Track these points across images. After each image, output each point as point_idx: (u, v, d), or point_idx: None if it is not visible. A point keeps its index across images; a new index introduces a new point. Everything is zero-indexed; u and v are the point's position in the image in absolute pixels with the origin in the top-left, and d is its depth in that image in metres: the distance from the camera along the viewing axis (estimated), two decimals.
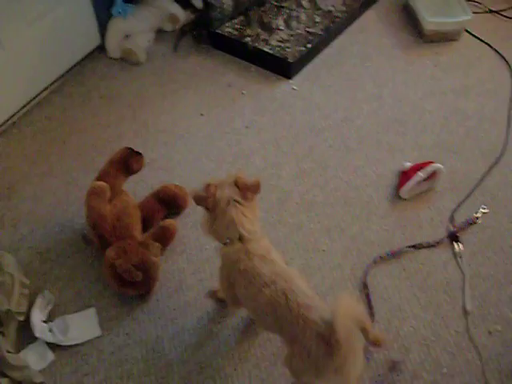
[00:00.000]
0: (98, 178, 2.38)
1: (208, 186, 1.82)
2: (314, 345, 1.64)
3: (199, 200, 1.83)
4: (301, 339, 1.68)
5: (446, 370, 2.05)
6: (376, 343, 1.66)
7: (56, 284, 2.31)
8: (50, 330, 2.16)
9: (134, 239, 2.29)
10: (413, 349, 2.10)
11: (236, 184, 1.83)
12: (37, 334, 2.14)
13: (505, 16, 3.53)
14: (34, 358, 2.12)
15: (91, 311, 2.22)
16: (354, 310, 1.61)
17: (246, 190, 1.82)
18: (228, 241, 1.83)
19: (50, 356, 2.13)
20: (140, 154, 2.45)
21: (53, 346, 2.13)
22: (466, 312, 2.20)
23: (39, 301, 2.23)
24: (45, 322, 2.19)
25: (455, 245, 2.40)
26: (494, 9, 3.58)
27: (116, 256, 2.19)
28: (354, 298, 1.64)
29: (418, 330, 2.15)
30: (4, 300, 2.12)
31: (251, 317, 2.13)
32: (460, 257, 2.37)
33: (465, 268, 2.33)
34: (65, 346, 2.13)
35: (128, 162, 2.42)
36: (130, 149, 2.44)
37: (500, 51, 3.29)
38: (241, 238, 1.81)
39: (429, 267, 2.34)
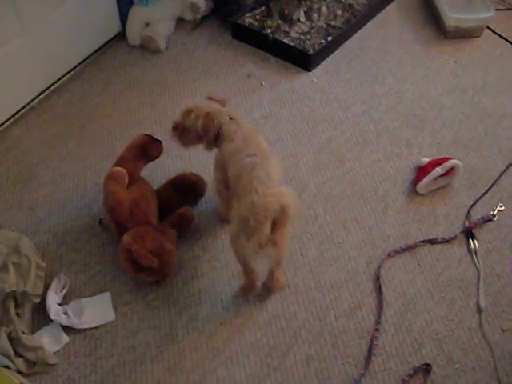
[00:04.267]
0: (117, 164, 2.39)
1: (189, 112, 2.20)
2: (244, 208, 1.86)
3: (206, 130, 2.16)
4: (240, 203, 1.95)
5: (458, 366, 2.05)
6: (273, 243, 1.88)
7: (72, 268, 2.33)
8: (65, 313, 2.18)
9: (151, 225, 2.30)
10: (425, 343, 2.11)
11: (209, 98, 2.24)
12: (52, 317, 2.16)
13: None
14: (49, 340, 2.14)
15: (106, 295, 2.24)
16: (288, 200, 1.80)
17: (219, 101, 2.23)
18: (220, 130, 2.14)
19: (65, 338, 2.15)
20: (159, 140, 2.46)
21: (67, 329, 2.15)
22: (479, 309, 2.20)
23: (55, 284, 2.25)
24: (60, 304, 2.21)
25: (470, 241, 2.40)
26: None
27: (132, 241, 2.20)
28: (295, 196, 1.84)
29: (430, 325, 2.16)
30: (20, 282, 2.14)
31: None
32: (475, 253, 2.36)
33: (480, 265, 2.32)
34: (79, 330, 2.15)
35: (147, 149, 2.44)
36: (149, 135, 2.46)
37: None
38: (231, 118, 2.15)
39: (443, 262, 2.34)
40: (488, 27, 3.36)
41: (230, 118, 2.15)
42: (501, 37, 3.34)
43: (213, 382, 2.03)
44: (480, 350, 2.09)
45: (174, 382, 2.03)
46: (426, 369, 2.04)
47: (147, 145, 2.44)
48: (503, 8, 3.52)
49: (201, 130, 2.15)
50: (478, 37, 3.34)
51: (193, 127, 2.18)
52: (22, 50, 2.79)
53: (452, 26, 3.26)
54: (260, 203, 1.80)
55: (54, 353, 2.10)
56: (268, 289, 2.21)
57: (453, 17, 3.23)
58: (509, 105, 2.96)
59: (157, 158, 2.48)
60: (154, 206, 2.39)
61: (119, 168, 2.35)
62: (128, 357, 2.09)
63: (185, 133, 2.23)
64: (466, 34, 3.31)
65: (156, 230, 2.29)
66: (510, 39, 3.33)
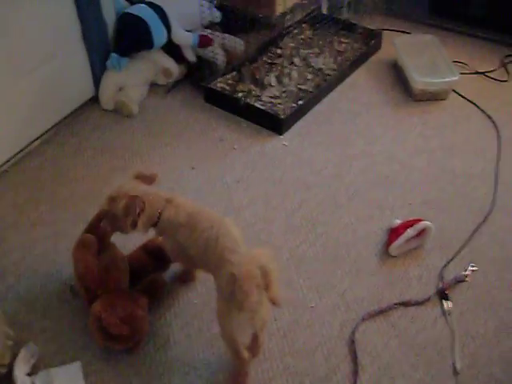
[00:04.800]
0: (87, 230, 2.35)
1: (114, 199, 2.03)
2: (225, 282, 1.80)
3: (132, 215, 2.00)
4: (218, 279, 1.90)
5: None
6: (273, 302, 1.81)
7: (41, 336, 2.26)
8: (33, 383, 2.11)
9: (122, 292, 2.25)
10: None
11: (137, 177, 2.11)
12: None
13: (491, 77, 3.58)
14: None
15: (76, 365, 2.17)
16: (265, 260, 1.79)
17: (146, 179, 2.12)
18: (159, 213, 2.02)
19: None
20: None
21: None
22: (456, 371, 2.17)
23: (23, 353, 2.17)
24: (28, 375, 2.13)
25: (444, 302, 2.38)
26: (480, 70, 3.62)
27: (102, 309, 2.15)
28: (270, 254, 1.83)
29: None
30: None
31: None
32: (449, 314, 2.34)
33: (454, 326, 2.30)
34: None
35: None
36: None
37: (486, 111, 3.33)
38: (167, 201, 2.03)
39: (418, 325, 2.32)
40: (454, 90, 3.41)
41: (167, 201, 2.05)
42: (466, 99, 3.39)
43: None
44: None
45: None
46: None
47: None
48: (467, 72, 3.58)
49: (122, 213, 1.99)
50: (444, 99, 3.40)
51: (120, 214, 2.02)
52: None
53: (419, 89, 3.32)
54: (241, 274, 1.76)
55: None
56: (251, 351, 2.11)
57: (419, 80, 3.29)
58: (476, 165, 2.99)
59: None
60: (124, 273, 2.34)
61: (88, 235, 2.31)
62: None
63: (115, 220, 2.06)
64: (432, 97, 3.37)
65: (127, 296, 2.24)
66: (475, 102, 3.39)
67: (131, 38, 3.27)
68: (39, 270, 2.50)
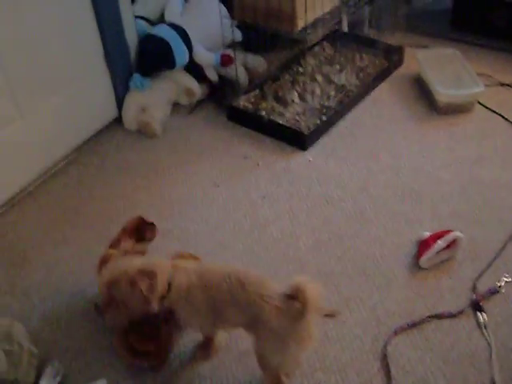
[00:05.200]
0: (111, 247, 2.29)
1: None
2: (273, 318, 1.71)
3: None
4: (261, 317, 1.74)
5: None
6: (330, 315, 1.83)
7: (66, 354, 2.20)
8: None
9: None
10: None
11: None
12: None
13: None
14: None
15: (102, 382, 2.09)
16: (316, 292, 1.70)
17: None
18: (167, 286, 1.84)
19: None
20: (152, 223, 2.38)
21: None
22: None
23: (48, 371, 2.12)
24: None
25: (479, 314, 2.27)
26: (504, 82, 3.54)
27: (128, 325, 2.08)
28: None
29: None
30: (11, 369, 2.01)
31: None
32: (485, 327, 2.24)
33: (490, 338, 2.19)
34: None
35: (140, 231, 2.35)
36: (143, 218, 2.37)
37: None
38: (173, 267, 1.88)
39: (452, 338, 2.21)
40: (479, 102, 3.33)
41: (173, 267, 1.88)
42: (492, 111, 3.31)
43: None
44: None
45: None
46: None
47: (141, 227, 2.36)
48: (491, 84, 3.50)
49: (146, 293, 1.80)
50: (470, 112, 3.31)
51: (129, 297, 1.84)
52: (18, 134, 2.75)
53: (443, 102, 3.24)
54: (292, 310, 1.72)
55: None
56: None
57: (444, 93, 3.22)
58: (505, 176, 2.90)
59: (151, 240, 2.39)
60: None
61: (112, 250, 2.26)
62: None
63: (124, 305, 1.87)
64: (457, 110, 3.29)
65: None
66: (501, 113, 3.30)
67: (153, 58, 3.25)
68: (64, 290, 2.45)
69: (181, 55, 3.28)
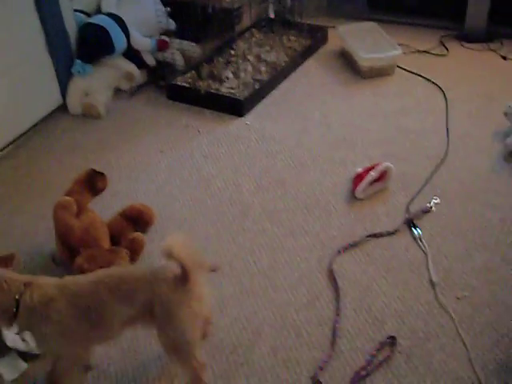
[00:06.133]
0: (66, 195, 2.29)
1: None
2: (164, 294, 1.60)
3: None
4: (153, 299, 1.62)
5: (421, 335, 1.95)
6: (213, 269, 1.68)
7: None
8: (23, 340, 1.99)
9: (103, 248, 2.19)
10: (387, 321, 2.01)
11: None
12: (9, 343, 1.97)
13: (432, 53, 3.65)
14: (6, 369, 1.94)
15: None
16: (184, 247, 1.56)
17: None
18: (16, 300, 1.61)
19: (23, 365, 1.95)
20: (103, 173, 2.39)
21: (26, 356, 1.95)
22: (433, 284, 2.13)
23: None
24: (17, 333, 2.02)
25: (414, 230, 2.35)
26: (421, 49, 3.68)
27: (85, 261, 2.09)
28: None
29: (389, 305, 2.07)
30: None
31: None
32: (420, 240, 2.31)
33: (426, 248, 2.27)
34: (38, 355, 1.95)
35: (92, 181, 2.35)
36: (94, 169, 2.38)
37: (432, 79, 3.37)
38: (26, 285, 1.64)
39: (391, 251, 2.29)
40: (399, 66, 3.46)
41: (26, 285, 1.63)
42: (412, 73, 3.44)
43: None
44: (440, 318, 2.01)
45: None
46: (392, 342, 1.93)
47: (93, 178, 2.36)
48: (409, 51, 3.65)
49: None
50: (391, 75, 3.43)
51: None
52: None
53: (366, 66, 3.36)
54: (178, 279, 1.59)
55: (13, 381, 1.90)
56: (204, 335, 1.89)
57: (365, 57, 3.34)
58: (428, 122, 3.02)
59: (102, 190, 2.40)
60: (104, 233, 2.29)
61: (67, 197, 2.25)
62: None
63: None
64: (380, 73, 3.41)
65: (108, 250, 2.18)
66: (420, 73, 3.44)
67: (93, 44, 3.27)
68: (22, 251, 2.38)
69: (119, 41, 3.32)
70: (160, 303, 1.62)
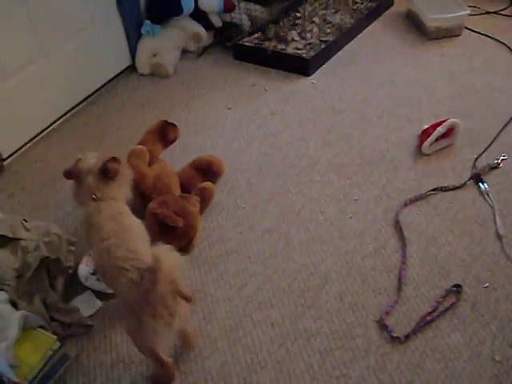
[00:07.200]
0: (138, 144, 2.35)
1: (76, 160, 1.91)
2: (126, 290, 1.57)
3: (66, 174, 1.91)
4: (118, 289, 1.64)
5: (487, 285, 1.94)
6: (185, 298, 1.58)
7: None
8: (98, 279, 2.09)
9: (174, 194, 2.25)
10: (452, 270, 2.01)
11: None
12: (84, 282, 2.07)
13: (501, 14, 3.56)
14: (82, 306, 2.04)
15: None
16: (172, 264, 1.53)
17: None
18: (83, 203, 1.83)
19: (98, 303, 2.05)
20: (175, 124, 2.44)
21: (101, 296, 2.06)
22: (499, 236, 2.11)
23: (85, 259, 2.16)
24: (92, 274, 2.11)
25: (480, 185, 2.33)
26: (490, 10, 3.60)
27: (157, 206, 2.14)
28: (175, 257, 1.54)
29: (454, 255, 2.06)
30: (52, 254, 2.06)
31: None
32: (487, 194, 2.29)
33: (493, 203, 2.25)
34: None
35: (164, 132, 2.42)
36: (166, 120, 2.43)
37: (501, 40, 3.29)
38: (94, 199, 1.80)
39: (458, 205, 2.27)
40: (466, 27, 3.39)
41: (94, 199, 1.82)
42: (480, 33, 3.37)
43: (249, 325, 1.92)
44: (506, 269, 2.00)
45: (211, 329, 1.91)
46: (457, 290, 1.93)
47: (165, 128, 2.42)
48: (477, 13, 3.57)
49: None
50: (458, 36, 3.38)
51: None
52: (42, 72, 2.83)
53: (433, 26, 3.31)
54: (143, 284, 1.52)
55: (89, 317, 1.98)
56: (186, 347, 1.86)
57: (432, 18, 3.28)
58: (496, 81, 2.96)
59: (174, 141, 2.45)
60: (175, 181, 2.35)
61: (140, 146, 2.31)
62: None
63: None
64: (447, 34, 3.35)
65: (179, 197, 2.24)
66: (488, 34, 3.37)
67: (162, 5, 3.31)
68: None
69: (187, 2, 3.35)
70: (122, 298, 1.68)
